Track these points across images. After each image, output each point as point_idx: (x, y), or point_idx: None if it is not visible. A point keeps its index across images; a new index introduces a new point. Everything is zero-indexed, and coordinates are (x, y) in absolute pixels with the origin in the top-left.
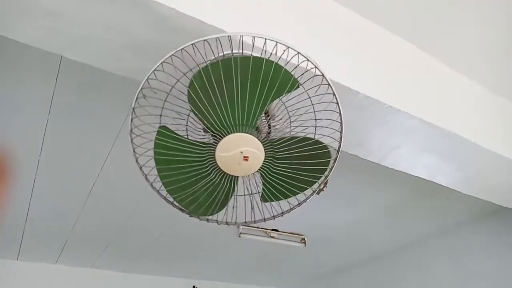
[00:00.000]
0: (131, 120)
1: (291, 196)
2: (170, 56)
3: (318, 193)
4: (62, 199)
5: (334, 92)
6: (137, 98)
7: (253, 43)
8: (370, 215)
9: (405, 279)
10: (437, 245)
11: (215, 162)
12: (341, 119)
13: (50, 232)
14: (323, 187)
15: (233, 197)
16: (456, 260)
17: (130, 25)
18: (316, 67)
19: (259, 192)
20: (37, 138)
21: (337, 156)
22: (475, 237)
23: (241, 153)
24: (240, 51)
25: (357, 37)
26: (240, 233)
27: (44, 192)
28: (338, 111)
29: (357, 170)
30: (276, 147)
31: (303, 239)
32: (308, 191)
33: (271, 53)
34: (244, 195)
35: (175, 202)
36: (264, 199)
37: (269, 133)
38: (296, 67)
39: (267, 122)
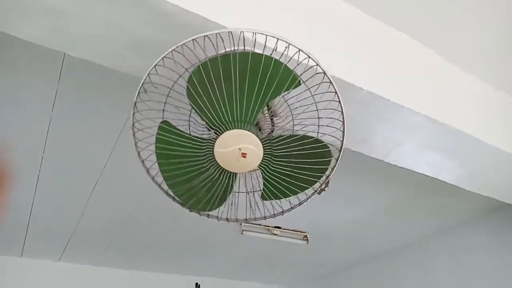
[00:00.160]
0: (133, 114)
1: (290, 196)
2: (171, 51)
3: (319, 193)
4: (65, 197)
5: (336, 90)
6: (139, 93)
7: (255, 39)
8: (371, 214)
9: (406, 278)
10: (438, 244)
11: (214, 158)
12: (343, 118)
13: (53, 230)
14: (325, 187)
15: (232, 193)
16: (457, 259)
17: (132, 22)
18: (317, 64)
19: (258, 190)
20: (41, 136)
21: (339, 156)
22: (476, 236)
23: (239, 149)
24: (241, 47)
25: (360, 33)
26: (243, 230)
27: (47, 190)
28: (340, 110)
29: (358, 169)
30: (274, 145)
31: (306, 236)
32: (309, 191)
33: (273, 50)
34: (243, 192)
35: (175, 197)
36: (264, 197)
37: (272, 130)
38: (298, 64)
39: (271, 119)
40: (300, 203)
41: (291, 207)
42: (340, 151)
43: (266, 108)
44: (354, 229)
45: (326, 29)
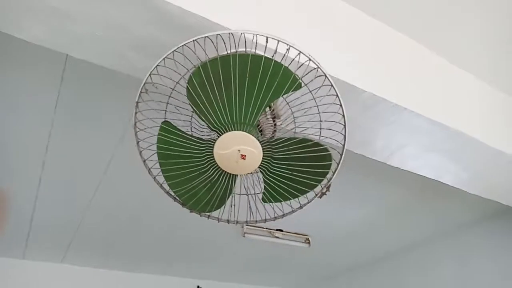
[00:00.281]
0: (135, 114)
1: (290, 199)
2: (172, 52)
3: (320, 197)
4: (67, 199)
5: (337, 94)
6: (140, 93)
7: (256, 41)
8: (374, 216)
9: (409, 281)
10: (441, 247)
11: (214, 159)
12: (344, 121)
13: (55, 232)
14: (326, 191)
15: (232, 195)
16: (460, 262)
17: (135, 23)
18: (318, 67)
19: (258, 193)
20: (43, 137)
21: (340, 159)
22: (479, 239)
23: (238, 151)
24: (242, 49)
25: (362, 36)
26: (245, 233)
27: (49, 192)
28: (342, 113)
29: (361, 171)
30: (274, 147)
31: (308, 239)
32: (311, 194)
33: (274, 52)
34: (243, 194)
35: (176, 197)
36: (264, 200)
37: (274, 132)
38: (300, 66)
39: (273, 121)
40: (301, 207)
41: (292, 210)
42: (341, 155)
43: (268, 109)
44: (357, 231)
45: (327, 31)
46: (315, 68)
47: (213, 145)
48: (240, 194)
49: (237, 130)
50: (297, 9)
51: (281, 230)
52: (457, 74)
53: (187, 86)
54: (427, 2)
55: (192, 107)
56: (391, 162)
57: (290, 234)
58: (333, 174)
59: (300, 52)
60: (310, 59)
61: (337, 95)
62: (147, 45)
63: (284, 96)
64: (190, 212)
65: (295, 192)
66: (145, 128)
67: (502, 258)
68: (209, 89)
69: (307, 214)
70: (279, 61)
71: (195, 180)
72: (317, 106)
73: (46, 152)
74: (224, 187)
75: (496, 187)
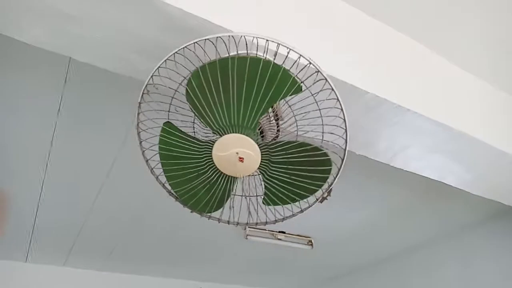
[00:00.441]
0: (137, 115)
1: (289, 203)
2: (173, 54)
3: (321, 202)
4: (69, 202)
5: (338, 97)
6: (142, 94)
7: (257, 44)
8: (376, 218)
9: (412, 282)
10: (444, 248)
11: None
12: (345, 126)
13: (58, 235)
14: (327, 195)
15: (231, 197)
16: (463, 263)
17: (137, 26)
18: (318, 70)
19: (259, 195)
20: (46, 140)
21: (341, 164)
22: (482, 240)
23: (236, 153)
24: (243, 51)
25: (362, 36)
26: (247, 235)
27: (52, 194)
28: (343, 117)
29: (364, 172)
30: (272, 150)
31: (310, 241)
32: (311, 198)
33: (274, 55)
34: (241, 196)
35: (177, 196)
36: (264, 202)
37: (277, 134)
38: (301, 70)
39: (276, 124)
40: (301, 210)
41: (292, 214)
42: (342, 159)
43: (271, 111)
44: (359, 233)
45: (327, 31)
46: (315, 72)
47: (212, 146)
48: (238, 195)
49: (236, 132)
50: (297, 9)
51: (283, 232)
52: (458, 74)
53: (186, 89)
54: (427, 2)
55: (192, 109)
56: (394, 163)
57: (292, 236)
58: (334, 179)
59: (300, 55)
60: (310, 62)
61: (337, 99)
62: (149, 47)
63: (286, 99)
64: (191, 212)
65: (294, 196)
66: (147, 129)
67: (505, 259)
68: (207, 92)
69: (310, 216)
70: (280, 64)
71: (195, 181)
72: (319, 110)
73: (49, 155)
74: (222, 188)
75: (499, 188)
